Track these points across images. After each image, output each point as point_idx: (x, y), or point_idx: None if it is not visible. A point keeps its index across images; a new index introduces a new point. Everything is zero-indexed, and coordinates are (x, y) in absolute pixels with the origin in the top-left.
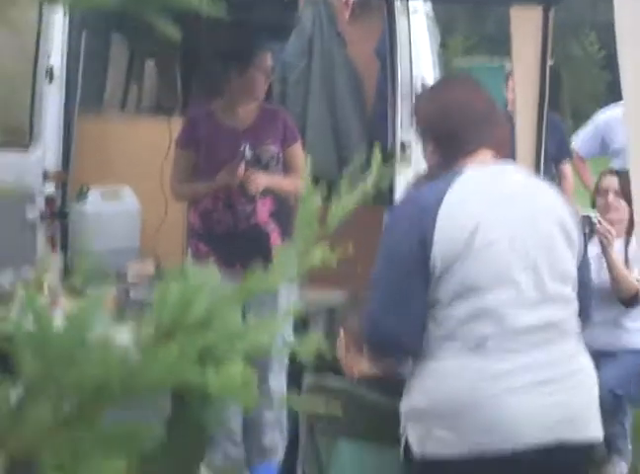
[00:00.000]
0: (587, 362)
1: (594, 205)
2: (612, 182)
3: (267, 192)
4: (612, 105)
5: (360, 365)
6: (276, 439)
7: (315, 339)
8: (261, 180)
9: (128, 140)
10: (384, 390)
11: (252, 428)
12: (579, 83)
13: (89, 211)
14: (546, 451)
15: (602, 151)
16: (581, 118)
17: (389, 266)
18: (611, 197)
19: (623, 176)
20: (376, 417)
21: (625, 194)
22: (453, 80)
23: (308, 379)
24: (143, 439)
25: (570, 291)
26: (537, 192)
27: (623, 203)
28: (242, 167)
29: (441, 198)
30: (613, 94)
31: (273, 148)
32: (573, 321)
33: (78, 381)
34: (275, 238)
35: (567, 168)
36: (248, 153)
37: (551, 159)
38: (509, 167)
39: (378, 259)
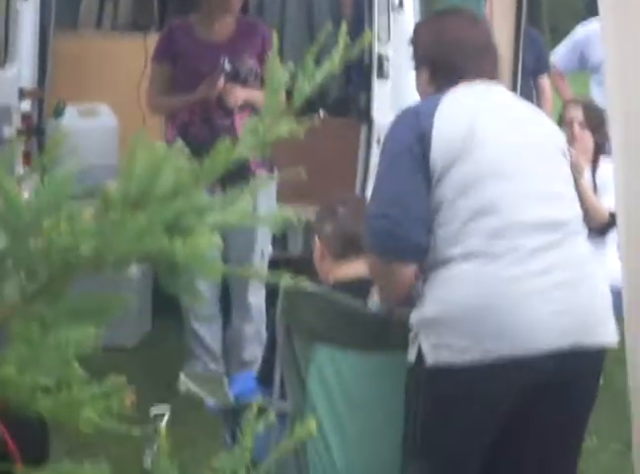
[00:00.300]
0: (597, 267)
1: None
2: (577, 112)
3: (245, 106)
4: (592, 19)
5: (335, 272)
6: (255, 353)
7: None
8: (239, 93)
9: (104, 57)
10: (359, 295)
11: (232, 343)
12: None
13: (66, 127)
14: (561, 356)
15: (581, 66)
16: (560, 34)
17: (390, 167)
18: (577, 128)
19: (587, 105)
20: (351, 321)
21: (590, 123)
22: (453, 12)
23: (285, 284)
24: (113, 310)
25: (572, 192)
26: (525, 107)
27: (588, 133)
28: (221, 80)
29: (437, 104)
30: (592, 10)
31: (251, 62)
32: (579, 222)
33: (46, 252)
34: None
35: (545, 82)
36: (227, 67)
37: (529, 73)
38: (498, 86)
39: (380, 164)
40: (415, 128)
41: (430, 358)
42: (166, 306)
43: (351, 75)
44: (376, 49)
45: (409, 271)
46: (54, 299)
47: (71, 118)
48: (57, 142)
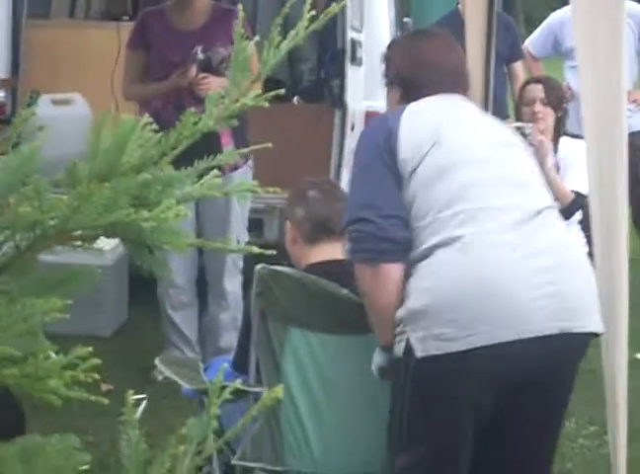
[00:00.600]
0: (581, 253)
1: (518, 117)
2: (537, 90)
3: None
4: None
5: (308, 256)
6: (232, 340)
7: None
8: (211, 83)
9: (77, 47)
10: (332, 278)
11: (208, 330)
12: None
13: (39, 116)
14: (550, 341)
15: (555, 51)
16: (534, 24)
17: (361, 173)
18: (538, 105)
19: (546, 82)
20: (326, 304)
21: (550, 100)
22: (430, 35)
23: (258, 267)
24: (79, 282)
25: (541, 182)
26: (487, 115)
27: (549, 111)
28: (194, 69)
29: (403, 109)
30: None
31: (223, 51)
32: (554, 209)
33: (12, 226)
34: (225, 139)
35: (518, 68)
36: (200, 56)
37: (503, 60)
38: (461, 97)
39: (352, 172)
40: (382, 130)
41: (419, 351)
42: (143, 295)
43: (324, 61)
44: (349, 35)
45: (398, 276)
46: (21, 272)
47: (45, 108)
48: (24, 121)
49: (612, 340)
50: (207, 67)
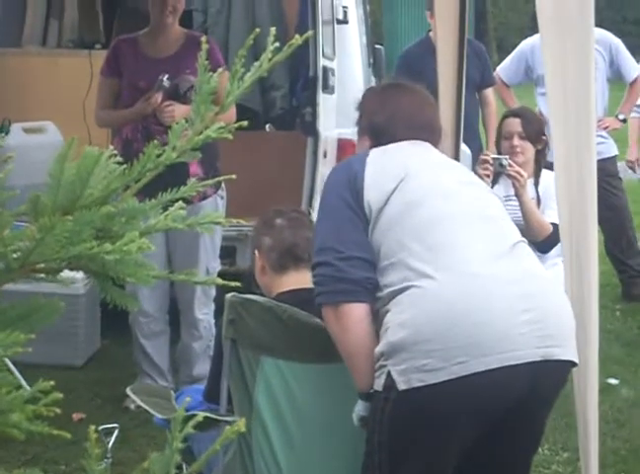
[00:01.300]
0: (557, 281)
1: (499, 150)
2: (515, 124)
3: None
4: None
5: (277, 285)
6: (205, 369)
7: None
8: (175, 110)
9: (50, 75)
10: (301, 306)
11: (181, 359)
12: (504, 16)
13: (11, 145)
14: (533, 368)
15: (527, 77)
16: (507, 51)
17: (326, 217)
18: (516, 140)
19: (525, 116)
20: (297, 333)
21: (528, 134)
22: (405, 88)
23: (229, 296)
24: (43, 316)
25: (508, 218)
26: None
27: (528, 145)
28: (159, 96)
29: (368, 153)
30: (537, 27)
31: (192, 79)
32: (523, 242)
33: None
34: (194, 168)
35: (490, 94)
36: (166, 83)
37: (475, 86)
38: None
39: (317, 216)
40: (348, 173)
41: (402, 384)
42: (115, 323)
43: (296, 89)
44: (321, 63)
45: (361, 316)
46: None
47: (16, 136)
48: None
49: (584, 365)
50: (175, 95)
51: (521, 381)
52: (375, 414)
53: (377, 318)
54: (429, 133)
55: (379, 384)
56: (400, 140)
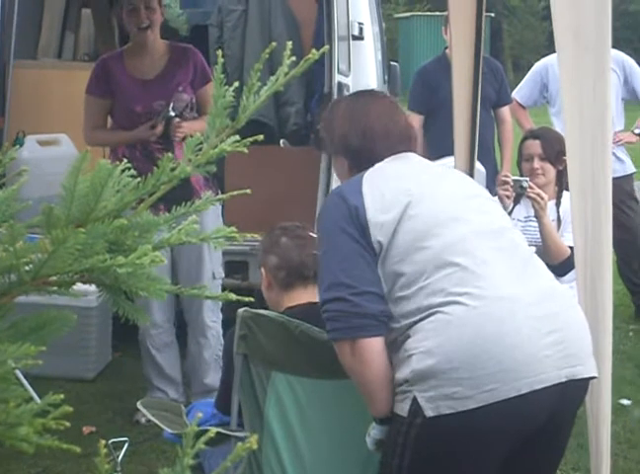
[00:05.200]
0: (571, 301)
1: (521, 172)
2: (535, 146)
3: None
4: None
5: (284, 302)
6: (217, 377)
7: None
8: (185, 128)
9: (64, 88)
10: (309, 321)
11: (192, 369)
12: (520, 34)
13: (25, 157)
14: (560, 389)
15: (542, 98)
16: (522, 69)
17: (329, 252)
18: (536, 162)
19: (545, 137)
20: (309, 348)
21: (549, 155)
22: (367, 96)
23: (241, 311)
24: (54, 328)
25: (508, 220)
26: (440, 166)
27: (549, 166)
28: (161, 126)
29: (360, 181)
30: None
31: (185, 96)
32: (534, 255)
33: None
34: (196, 180)
35: (506, 112)
36: (172, 113)
37: (491, 104)
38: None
39: (319, 251)
40: (345, 208)
41: (430, 410)
42: (127, 336)
43: (311, 104)
44: (336, 79)
45: (380, 348)
46: None
47: (31, 148)
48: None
49: (597, 385)
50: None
51: (549, 402)
52: (397, 437)
53: (393, 346)
54: (407, 143)
55: (403, 409)
56: (380, 157)
